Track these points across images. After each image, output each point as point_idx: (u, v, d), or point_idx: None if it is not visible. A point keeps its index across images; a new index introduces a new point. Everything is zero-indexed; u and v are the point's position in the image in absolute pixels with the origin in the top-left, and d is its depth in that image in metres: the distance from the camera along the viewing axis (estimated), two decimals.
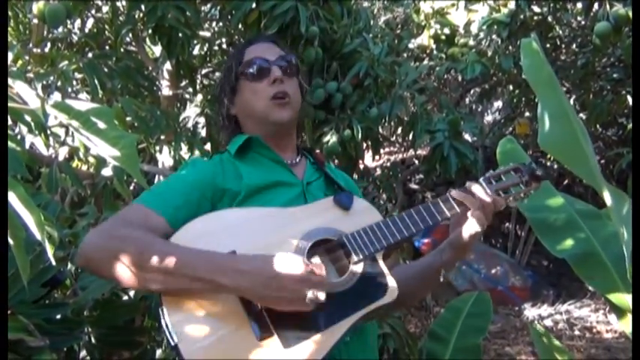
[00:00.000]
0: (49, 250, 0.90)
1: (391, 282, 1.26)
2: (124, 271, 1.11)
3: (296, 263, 1.12)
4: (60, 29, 3.56)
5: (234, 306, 1.15)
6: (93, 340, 1.59)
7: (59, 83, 2.36)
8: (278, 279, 1.10)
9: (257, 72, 1.43)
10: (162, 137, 2.52)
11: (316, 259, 1.24)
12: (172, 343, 1.11)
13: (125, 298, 1.78)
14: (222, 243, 1.20)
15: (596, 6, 3.24)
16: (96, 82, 2.21)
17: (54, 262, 1.11)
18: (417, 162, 7.03)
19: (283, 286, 1.10)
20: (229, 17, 2.75)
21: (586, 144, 1.48)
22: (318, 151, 1.67)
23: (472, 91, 6.36)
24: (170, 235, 1.20)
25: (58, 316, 1.37)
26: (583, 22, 4.52)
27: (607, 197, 1.41)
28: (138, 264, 1.11)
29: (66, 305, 1.39)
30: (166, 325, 1.13)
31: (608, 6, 2.60)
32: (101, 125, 0.77)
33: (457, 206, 1.33)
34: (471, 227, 1.32)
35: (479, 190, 1.33)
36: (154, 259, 1.10)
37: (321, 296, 1.11)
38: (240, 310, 1.14)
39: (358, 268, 1.25)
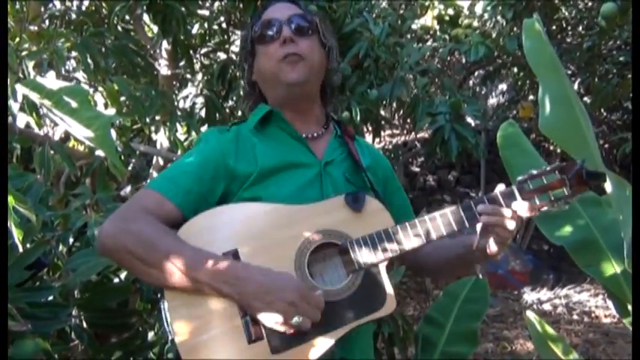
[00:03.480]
0: (15, 234, 0.88)
1: (390, 295, 1.22)
2: (134, 265, 1.18)
3: (292, 286, 1.13)
4: (58, 6, 3.51)
5: (231, 305, 1.16)
6: (83, 323, 1.58)
7: (54, 62, 2.32)
8: (270, 294, 1.12)
9: (267, 33, 1.38)
10: (158, 118, 2.48)
11: (318, 291, 1.19)
12: (170, 337, 1.16)
13: (116, 280, 1.76)
14: (226, 240, 1.21)
15: None
16: (89, 60, 2.16)
17: (20, 248, 1.09)
18: (418, 145, 6.99)
19: (271, 302, 1.12)
20: None
21: (587, 129, 1.44)
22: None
23: (476, 73, 6.28)
24: (181, 219, 1.23)
25: (44, 300, 1.35)
26: (590, 4, 4.43)
27: (607, 184, 1.38)
28: (146, 260, 1.16)
29: (51, 288, 1.37)
30: (165, 319, 1.17)
31: None
32: (74, 105, 0.73)
33: (479, 216, 1.23)
34: (493, 240, 1.23)
35: (504, 201, 1.22)
36: (160, 259, 1.15)
37: (307, 325, 1.12)
38: (236, 310, 1.16)
39: (359, 277, 1.22)
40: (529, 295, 5.39)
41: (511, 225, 1.20)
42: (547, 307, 5.17)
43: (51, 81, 0.74)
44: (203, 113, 3.19)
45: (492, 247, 1.24)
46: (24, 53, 2.24)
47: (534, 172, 1.26)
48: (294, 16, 1.39)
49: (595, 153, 1.36)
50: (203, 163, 1.29)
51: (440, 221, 1.24)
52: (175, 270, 1.14)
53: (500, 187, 1.26)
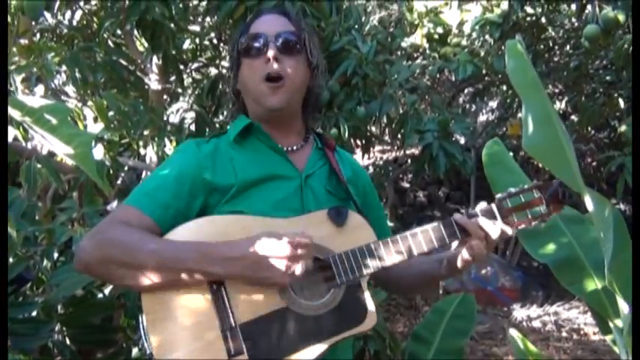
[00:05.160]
0: None
1: (371, 309, 1.23)
2: (117, 272, 1.15)
3: (281, 243, 1.14)
4: (49, 20, 3.52)
5: (210, 318, 1.16)
6: (65, 339, 1.57)
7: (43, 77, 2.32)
8: (265, 260, 1.13)
9: (253, 48, 1.36)
10: (146, 133, 2.48)
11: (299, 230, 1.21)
12: (147, 351, 1.15)
13: (100, 295, 1.75)
14: None
15: (589, 8, 3.23)
16: (77, 75, 2.17)
17: None
18: (409, 161, 7.02)
19: (271, 266, 1.13)
20: (216, 12, 2.71)
21: (569, 148, 1.46)
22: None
23: (466, 91, 6.34)
24: (159, 234, 1.22)
25: (26, 315, 1.34)
26: (576, 24, 4.51)
27: (588, 202, 1.40)
28: (129, 263, 1.14)
29: (33, 304, 1.36)
30: (144, 332, 1.16)
31: (597, 9, 2.59)
32: (55, 122, 0.74)
33: (459, 233, 1.26)
34: (469, 255, 1.25)
35: (484, 219, 1.25)
36: (143, 256, 1.14)
37: (309, 265, 1.15)
38: (216, 323, 1.16)
39: (340, 291, 1.23)
40: (518, 312, 5.39)
41: (489, 241, 1.22)
42: (536, 323, 5.17)
43: (32, 98, 0.75)
44: (193, 128, 3.19)
45: (464, 259, 1.26)
46: (12, 67, 2.24)
47: (512, 190, 1.29)
48: (282, 32, 1.37)
49: (576, 171, 1.38)
50: (180, 177, 1.28)
51: (421, 237, 1.26)
52: (162, 264, 1.13)
53: (481, 206, 1.28)
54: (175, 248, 1.16)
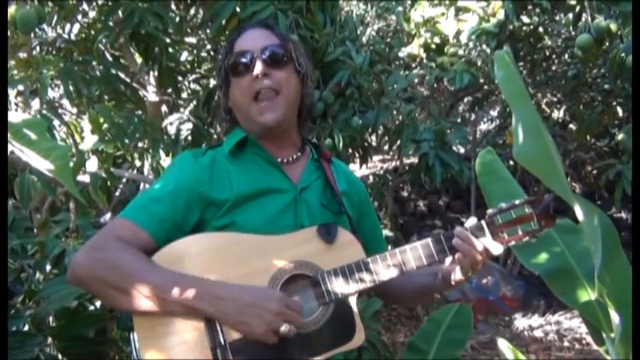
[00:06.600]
0: None
1: (359, 327, 1.24)
2: (108, 293, 1.17)
3: (274, 296, 1.16)
4: (49, 33, 3.55)
5: (200, 335, 1.17)
6: (56, 352, 1.56)
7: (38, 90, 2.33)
8: (255, 307, 1.14)
9: (240, 67, 1.35)
10: (141, 144, 2.49)
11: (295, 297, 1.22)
12: None
13: (92, 308, 1.75)
14: (197, 271, 1.21)
15: (585, 17, 3.24)
16: (71, 88, 2.18)
17: None
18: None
19: (259, 314, 1.13)
20: (209, 24, 2.72)
21: (557, 158, 1.47)
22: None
23: (465, 100, 6.35)
24: (154, 248, 1.23)
25: (12, 329, 1.34)
26: (573, 33, 4.52)
27: (578, 212, 1.40)
28: (121, 288, 1.15)
29: (20, 318, 1.36)
30: (135, 350, 1.17)
31: (589, 18, 2.60)
32: (33, 137, 0.75)
33: (448, 250, 1.27)
34: (459, 272, 1.27)
35: (473, 236, 1.25)
36: (136, 284, 1.14)
37: (293, 331, 1.14)
38: (206, 341, 1.17)
39: (329, 308, 1.24)
40: (520, 322, 5.36)
41: (478, 258, 1.22)
42: (538, 333, 5.14)
43: (11, 113, 0.76)
44: (190, 139, 3.19)
45: (457, 276, 1.27)
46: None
47: (504, 206, 1.29)
48: (267, 45, 1.35)
49: (564, 181, 1.38)
50: (177, 190, 1.28)
51: (410, 255, 1.27)
52: (152, 294, 1.14)
53: (471, 221, 1.29)
54: (168, 280, 1.16)
